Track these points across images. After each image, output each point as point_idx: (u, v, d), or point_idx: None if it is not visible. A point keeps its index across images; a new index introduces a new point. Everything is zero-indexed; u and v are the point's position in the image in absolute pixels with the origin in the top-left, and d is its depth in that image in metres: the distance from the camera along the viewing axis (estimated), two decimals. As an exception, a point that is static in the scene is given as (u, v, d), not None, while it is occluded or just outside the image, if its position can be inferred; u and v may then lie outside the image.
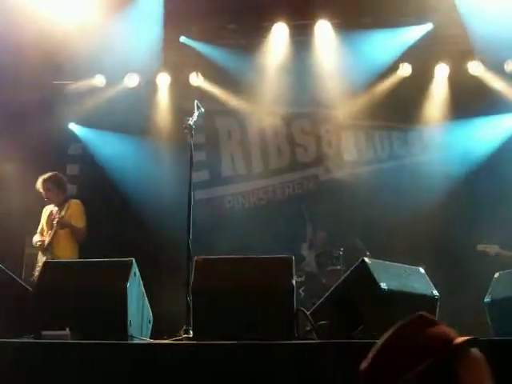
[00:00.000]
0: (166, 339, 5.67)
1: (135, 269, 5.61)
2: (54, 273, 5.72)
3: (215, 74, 10.62)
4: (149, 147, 10.66)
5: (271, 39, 10.29)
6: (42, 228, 8.34)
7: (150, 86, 10.88)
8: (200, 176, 10.66)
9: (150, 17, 9.76)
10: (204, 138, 10.98)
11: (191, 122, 6.43)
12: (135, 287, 5.62)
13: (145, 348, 5.20)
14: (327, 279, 9.21)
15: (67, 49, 9.36)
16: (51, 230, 8.08)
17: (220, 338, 4.80)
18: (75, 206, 8.32)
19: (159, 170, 10.36)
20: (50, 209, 8.34)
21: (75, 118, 11.02)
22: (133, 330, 5.43)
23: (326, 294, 5.70)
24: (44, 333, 5.22)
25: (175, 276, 7.30)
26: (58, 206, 8.25)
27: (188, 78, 10.76)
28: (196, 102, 6.76)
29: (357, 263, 5.56)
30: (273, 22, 10.17)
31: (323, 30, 10.15)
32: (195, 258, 5.57)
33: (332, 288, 5.71)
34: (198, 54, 10.52)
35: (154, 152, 10.63)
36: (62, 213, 8.09)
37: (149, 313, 6.03)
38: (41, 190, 8.23)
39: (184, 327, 5.70)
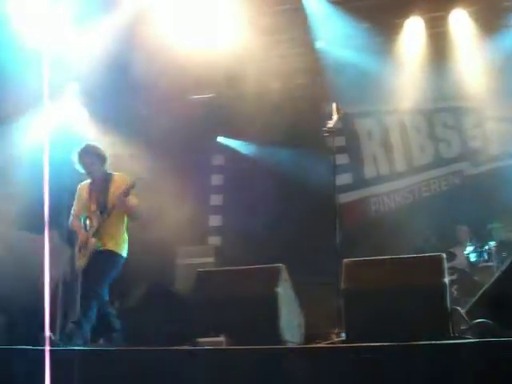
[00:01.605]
0: (318, 343, 5.67)
1: (285, 274, 5.66)
2: (208, 281, 5.89)
3: (350, 75, 10.55)
4: (290, 153, 10.72)
5: (405, 35, 10.10)
6: (80, 210, 6.94)
7: (287, 93, 10.98)
8: (343, 179, 10.63)
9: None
10: (344, 141, 10.94)
11: (331, 125, 6.42)
12: (286, 292, 5.68)
13: (298, 352, 5.21)
14: (480, 276, 8.91)
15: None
16: (98, 209, 6.75)
17: (373, 340, 4.74)
18: (122, 179, 6.83)
19: (301, 175, 10.39)
20: (87, 186, 6.98)
21: (217, 130, 11.32)
22: (285, 334, 5.48)
23: (480, 292, 5.52)
24: (200, 340, 5.37)
25: (324, 279, 7.30)
26: (99, 181, 6.89)
27: (325, 81, 10.76)
28: (334, 104, 6.75)
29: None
30: (405, 17, 9.98)
31: (459, 20, 9.85)
32: (344, 260, 5.55)
33: (486, 286, 5.53)
34: (334, 57, 10.49)
35: (295, 158, 10.69)
36: (111, 189, 6.78)
37: (300, 317, 6.06)
38: (81, 164, 6.90)
39: (336, 330, 5.69)
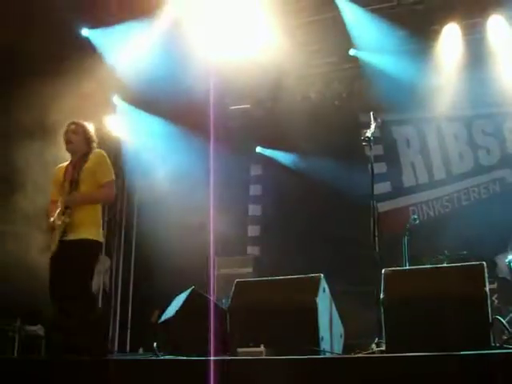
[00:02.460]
0: (358, 353, 5.65)
1: (324, 284, 5.66)
2: (247, 291, 5.90)
3: (387, 82, 10.51)
4: (328, 163, 10.71)
5: (443, 41, 10.04)
6: (56, 193, 6.33)
7: (324, 103, 10.99)
8: (382, 188, 10.59)
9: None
10: (382, 149, 10.90)
11: (369, 133, 6.41)
12: (325, 302, 5.67)
13: (337, 362, 5.19)
14: (522, 285, 8.79)
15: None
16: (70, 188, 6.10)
17: (413, 350, 4.70)
18: (98, 156, 6.28)
19: (340, 184, 10.37)
20: (64, 166, 6.42)
21: (256, 140, 11.39)
22: (325, 344, 5.47)
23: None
24: (239, 350, 5.39)
25: (363, 288, 7.27)
26: (78, 160, 6.28)
27: (361, 89, 10.74)
28: (372, 113, 6.73)
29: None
30: (443, 23, 9.93)
31: (497, 25, 9.75)
32: (383, 270, 5.53)
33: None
34: (368, 65, 10.47)
35: (333, 167, 10.67)
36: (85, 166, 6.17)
37: (340, 327, 6.05)
38: (66, 134, 6.35)
39: (376, 340, 5.66)
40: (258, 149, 11.62)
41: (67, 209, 6.02)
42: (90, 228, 6.07)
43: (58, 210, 6.10)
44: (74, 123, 6.40)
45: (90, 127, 6.49)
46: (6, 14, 8.32)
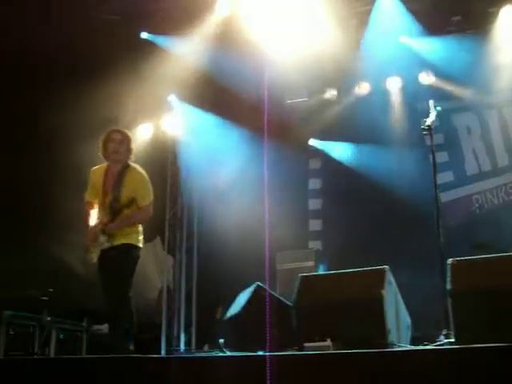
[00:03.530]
0: (426, 345, 5.57)
1: (390, 276, 5.60)
2: (311, 286, 5.89)
3: (445, 69, 10.34)
4: (388, 154, 10.60)
5: (500, 24, 9.81)
6: (93, 196, 6.42)
7: (381, 92, 10.88)
8: (444, 177, 10.42)
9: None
10: (443, 138, 10.71)
11: (429, 122, 6.32)
12: (391, 294, 5.62)
13: (406, 355, 5.12)
14: None
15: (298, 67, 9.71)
16: (112, 202, 6.19)
17: (483, 342, 4.61)
18: (139, 175, 6.35)
19: (401, 175, 10.24)
20: (102, 170, 6.40)
21: (313, 133, 11.35)
22: (392, 337, 5.42)
23: None
24: (306, 344, 5.38)
25: (429, 279, 7.17)
26: (117, 170, 6.32)
27: (418, 78, 10.60)
28: (431, 102, 6.63)
29: None
30: (499, 6, 9.71)
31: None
32: (449, 260, 5.44)
33: None
34: (426, 52, 10.31)
35: (394, 158, 10.55)
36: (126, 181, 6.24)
37: (407, 318, 5.98)
38: (112, 143, 6.32)
39: (444, 331, 5.57)
40: (315, 142, 11.55)
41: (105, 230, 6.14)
42: (131, 235, 6.23)
43: (97, 223, 6.22)
44: (118, 131, 6.40)
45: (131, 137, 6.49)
46: (68, 18, 8.52)
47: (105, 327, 9.31)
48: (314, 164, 11.66)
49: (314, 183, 11.52)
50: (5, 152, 9.40)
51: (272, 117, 9.82)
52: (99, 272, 6.20)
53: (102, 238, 6.13)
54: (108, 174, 6.35)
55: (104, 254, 6.16)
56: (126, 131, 6.48)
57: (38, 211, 9.84)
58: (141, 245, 6.32)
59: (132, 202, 6.13)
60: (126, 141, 6.36)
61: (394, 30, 9.91)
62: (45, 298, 9.39)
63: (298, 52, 9.50)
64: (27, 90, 9.36)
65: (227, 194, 10.65)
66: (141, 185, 6.29)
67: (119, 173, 6.29)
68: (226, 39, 9.63)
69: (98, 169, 6.46)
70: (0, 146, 9.37)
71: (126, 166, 6.32)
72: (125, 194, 6.17)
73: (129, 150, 6.36)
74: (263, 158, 9.94)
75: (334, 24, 9.46)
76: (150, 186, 6.36)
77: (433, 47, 10.23)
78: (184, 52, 9.96)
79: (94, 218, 6.35)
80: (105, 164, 6.43)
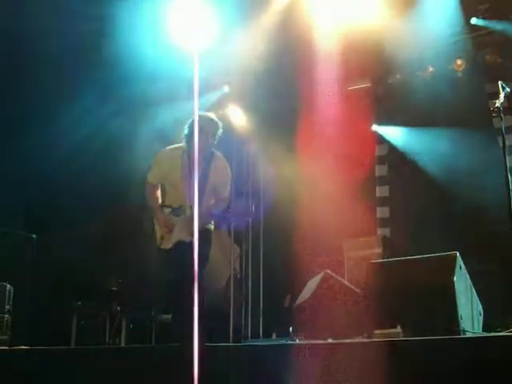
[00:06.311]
0: (499, 331, 5.48)
1: (460, 262, 5.52)
2: (380, 273, 5.84)
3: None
4: (455, 137, 10.38)
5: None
6: (161, 179, 6.27)
7: (445, 75, 10.66)
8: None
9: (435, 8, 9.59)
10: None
11: (498, 104, 6.19)
12: (462, 280, 5.53)
13: (479, 342, 5.03)
14: None
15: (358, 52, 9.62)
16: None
17: None
18: (225, 171, 6.28)
19: (468, 159, 10.03)
20: (180, 154, 6.15)
21: (378, 119, 11.23)
22: (464, 323, 5.33)
23: None
24: (376, 332, 5.34)
25: (500, 266, 7.03)
26: (202, 158, 6.05)
27: (485, 59, 10.34)
28: (500, 82, 6.48)
29: None
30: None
31: None
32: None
33: None
34: (492, 33, 10.05)
35: (461, 142, 10.33)
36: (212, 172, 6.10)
37: (478, 305, 5.88)
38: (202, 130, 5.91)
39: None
40: (380, 128, 11.41)
41: None
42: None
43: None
44: (212, 120, 6.14)
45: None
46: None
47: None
48: (381, 150, 11.50)
49: (381, 170, 11.37)
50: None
51: (334, 103, 9.81)
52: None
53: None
54: (185, 160, 6.15)
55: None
56: (216, 118, 6.25)
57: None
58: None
59: (213, 191, 6.14)
60: (215, 131, 6.17)
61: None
62: (114, 289, 9.59)
63: (358, 37, 9.38)
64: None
65: (290, 181, 10.64)
66: (225, 178, 6.27)
67: (202, 164, 6.07)
68: (284, 28, 9.55)
69: (169, 150, 6.34)
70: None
71: (212, 154, 6.20)
72: (208, 190, 6.11)
73: (215, 139, 6.19)
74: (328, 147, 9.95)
75: (395, 8, 9.31)
76: (231, 177, 6.35)
77: (502, 27, 9.96)
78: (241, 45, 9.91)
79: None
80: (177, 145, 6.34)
